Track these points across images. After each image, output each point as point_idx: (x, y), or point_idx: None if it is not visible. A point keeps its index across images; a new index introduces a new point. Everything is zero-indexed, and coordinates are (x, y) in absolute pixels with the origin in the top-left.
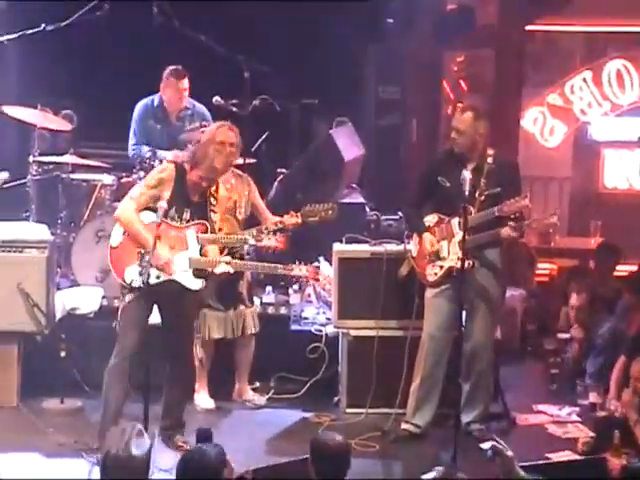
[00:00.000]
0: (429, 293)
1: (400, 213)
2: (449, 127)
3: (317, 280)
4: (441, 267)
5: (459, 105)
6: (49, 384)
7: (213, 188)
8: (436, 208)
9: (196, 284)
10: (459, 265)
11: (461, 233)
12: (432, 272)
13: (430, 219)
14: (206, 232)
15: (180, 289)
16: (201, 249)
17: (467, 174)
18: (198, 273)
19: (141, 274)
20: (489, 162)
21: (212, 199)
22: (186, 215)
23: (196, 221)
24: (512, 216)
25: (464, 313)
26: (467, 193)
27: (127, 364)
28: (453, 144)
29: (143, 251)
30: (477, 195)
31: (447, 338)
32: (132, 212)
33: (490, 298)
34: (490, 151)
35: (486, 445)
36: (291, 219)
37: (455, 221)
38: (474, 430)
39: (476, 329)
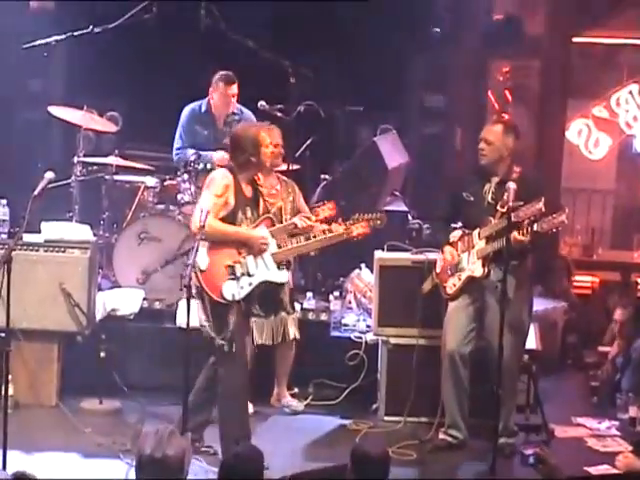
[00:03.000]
0: (450, 307)
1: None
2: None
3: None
4: (459, 278)
5: (494, 117)
6: (88, 384)
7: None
8: (462, 223)
9: (284, 276)
10: (476, 273)
11: (480, 243)
12: (451, 284)
13: (455, 234)
14: (273, 225)
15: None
16: (277, 242)
17: (512, 184)
18: (280, 264)
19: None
20: (514, 177)
21: (260, 188)
22: (249, 213)
23: (262, 217)
24: (528, 221)
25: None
26: (511, 204)
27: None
28: (480, 155)
29: (231, 262)
30: (499, 207)
31: (467, 354)
32: (214, 220)
33: (512, 311)
34: (517, 168)
35: (529, 451)
36: (339, 227)
37: (475, 232)
38: (502, 444)
39: (497, 345)
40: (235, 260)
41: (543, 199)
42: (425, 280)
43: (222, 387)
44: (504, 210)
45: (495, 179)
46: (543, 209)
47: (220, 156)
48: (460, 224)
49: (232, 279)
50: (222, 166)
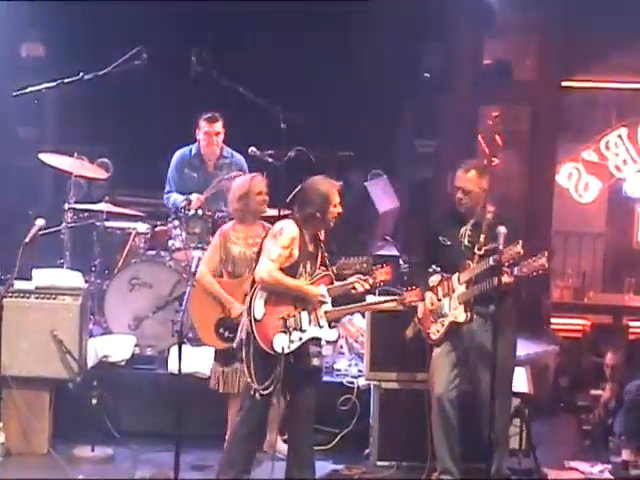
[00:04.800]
0: (435, 353)
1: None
2: (453, 185)
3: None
4: (442, 324)
5: (464, 163)
6: (80, 431)
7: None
8: (441, 267)
9: (334, 335)
10: (459, 319)
11: (461, 287)
12: (435, 330)
13: (434, 279)
14: (332, 283)
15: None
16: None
17: (502, 229)
18: (331, 322)
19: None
20: (489, 217)
21: (322, 244)
22: (308, 268)
23: (322, 274)
24: (507, 264)
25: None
26: (501, 247)
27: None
28: (459, 204)
29: (285, 315)
30: (476, 250)
31: (454, 398)
32: (277, 271)
33: (496, 354)
34: (490, 208)
35: None
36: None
37: (455, 277)
38: None
39: (485, 387)
40: (290, 313)
41: (521, 242)
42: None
43: (235, 430)
44: (482, 253)
45: (471, 221)
46: (521, 252)
47: (194, 198)
48: (438, 268)
49: (284, 332)
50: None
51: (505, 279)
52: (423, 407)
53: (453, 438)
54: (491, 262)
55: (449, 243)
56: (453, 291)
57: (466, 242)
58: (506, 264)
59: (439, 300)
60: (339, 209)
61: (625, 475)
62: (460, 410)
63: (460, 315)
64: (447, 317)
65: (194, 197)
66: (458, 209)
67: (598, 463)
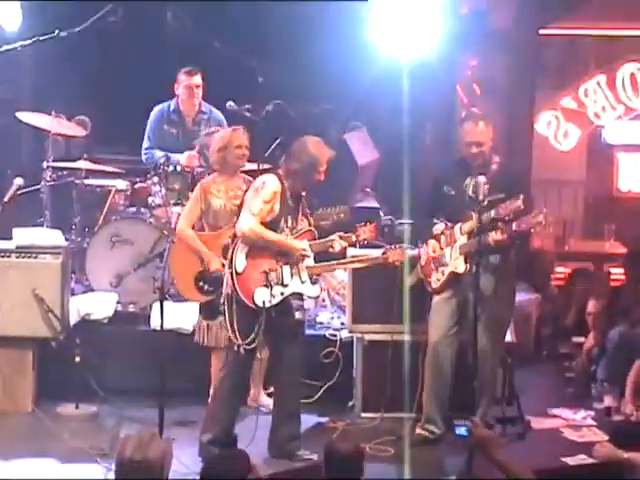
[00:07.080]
0: (434, 301)
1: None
2: (462, 139)
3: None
4: (443, 273)
5: (468, 114)
6: (64, 389)
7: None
8: (445, 217)
9: (316, 290)
10: (459, 269)
11: (462, 238)
12: (435, 278)
13: (438, 227)
14: (314, 239)
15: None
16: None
17: (482, 178)
18: (312, 278)
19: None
20: (494, 168)
21: (303, 199)
22: (290, 223)
23: (304, 229)
24: (508, 219)
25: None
26: (481, 197)
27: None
28: (474, 159)
29: (267, 269)
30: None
31: (450, 346)
32: (258, 225)
33: (494, 305)
34: (496, 158)
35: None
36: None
37: (457, 227)
38: None
39: (479, 336)
40: (272, 267)
41: (522, 196)
42: (402, 275)
43: (219, 385)
44: (485, 204)
45: (476, 171)
46: (522, 206)
47: (187, 156)
48: (442, 218)
49: (265, 286)
50: (190, 167)
51: (497, 237)
52: (406, 358)
53: (443, 387)
54: (492, 215)
55: (453, 193)
56: (455, 241)
57: (470, 192)
58: (506, 218)
59: (441, 249)
60: (322, 177)
61: (608, 421)
62: (458, 359)
63: (460, 265)
64: (447, 267)
65: (186, 155)
66: (468, 161)
67: (581, 410)
